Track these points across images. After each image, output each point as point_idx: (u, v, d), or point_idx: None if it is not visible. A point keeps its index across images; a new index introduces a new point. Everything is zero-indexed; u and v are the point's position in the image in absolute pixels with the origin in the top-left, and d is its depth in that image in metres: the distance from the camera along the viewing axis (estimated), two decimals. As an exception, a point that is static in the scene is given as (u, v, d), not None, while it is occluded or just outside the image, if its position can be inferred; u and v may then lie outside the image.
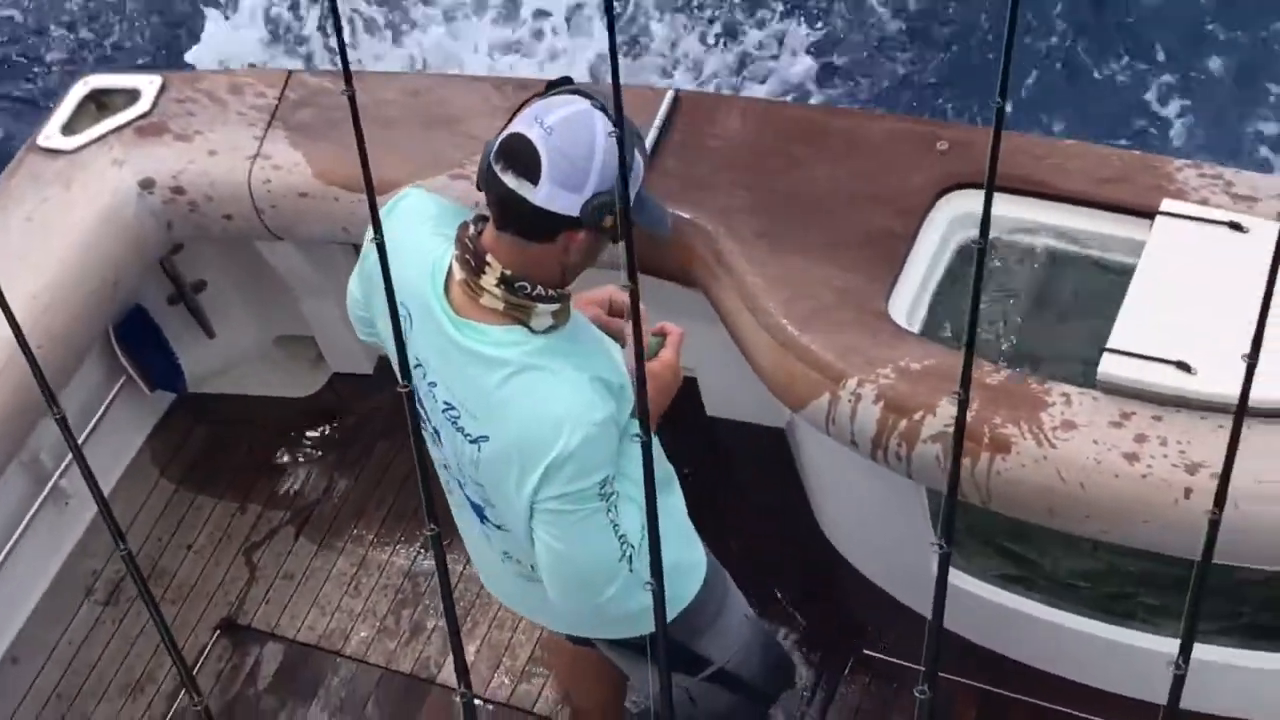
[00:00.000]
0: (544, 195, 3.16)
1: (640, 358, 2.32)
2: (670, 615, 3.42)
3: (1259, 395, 3.48)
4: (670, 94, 4.44)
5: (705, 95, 4.51)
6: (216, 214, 4.74)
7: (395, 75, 5.67)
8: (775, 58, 8.38)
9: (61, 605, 5.12)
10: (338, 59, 3.44)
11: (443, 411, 3.41)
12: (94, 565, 5.15)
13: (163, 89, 4.86)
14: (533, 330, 3.25)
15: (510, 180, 3.16)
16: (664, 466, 3.58)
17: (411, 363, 3.40)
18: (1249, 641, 4.19)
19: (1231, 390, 2.08)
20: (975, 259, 2.11)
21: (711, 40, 8.52)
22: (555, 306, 3.26)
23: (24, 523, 4.96)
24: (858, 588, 4.61)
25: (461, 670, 2.56)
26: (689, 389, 4.42)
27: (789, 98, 7.74)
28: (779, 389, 4.07)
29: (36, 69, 8.31)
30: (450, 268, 3.33)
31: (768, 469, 4.79)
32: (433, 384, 3.40)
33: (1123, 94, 7.79)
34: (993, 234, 4.05)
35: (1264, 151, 7.38)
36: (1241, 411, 1.94)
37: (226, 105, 4.82)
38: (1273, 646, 4.20)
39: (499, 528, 3.55)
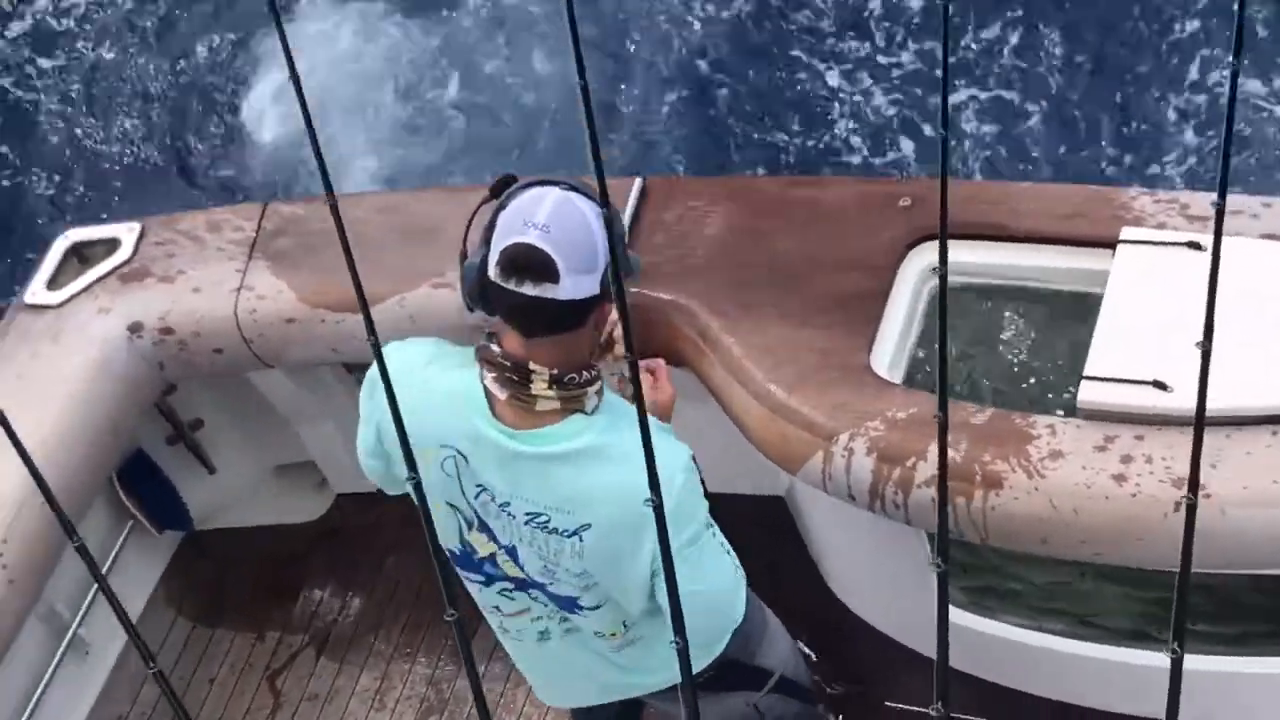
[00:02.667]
0: (569, 289, 3.18)
1: (645, 426, 2.40)
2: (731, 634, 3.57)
3: (1240, 404, 3.60)
4: (637, 182, 4.48)
5: (670, 179, 4.56)
6: (206, 349, 4.75)
7: (364, 195, 5.73)
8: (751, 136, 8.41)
9: None
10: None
11: (526, 524, 3.40)
12: (120, 710, 5.14)
13: (142, 235, 4.89)
14: (587, 413, 3.28)
15: (530, 289, 3.17)
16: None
17: (473, 495, 3.40)
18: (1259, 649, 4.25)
19: (1210, 403, 2.17)
20: (939, 288, 2.22)
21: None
22: (598, 384, 3.30)
23: (47, 676, 4.95)
24: (872, 641, 4.61)
25: None
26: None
27: (748, 172, 7.74)
28: (774, 453, 4.09)
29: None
30: (487, 392, 3.33)
31: (771, 536, 4.79)
32: (505, 504, 3.40)
33: (1066, 132, 7.82)
34: (962, 279, 4.16)
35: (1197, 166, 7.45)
36: (1202, 400, 2.02)
37: (205, 243, 4.84)
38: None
39: (595, 608, 3.54)
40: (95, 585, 3.84)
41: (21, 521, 4.42)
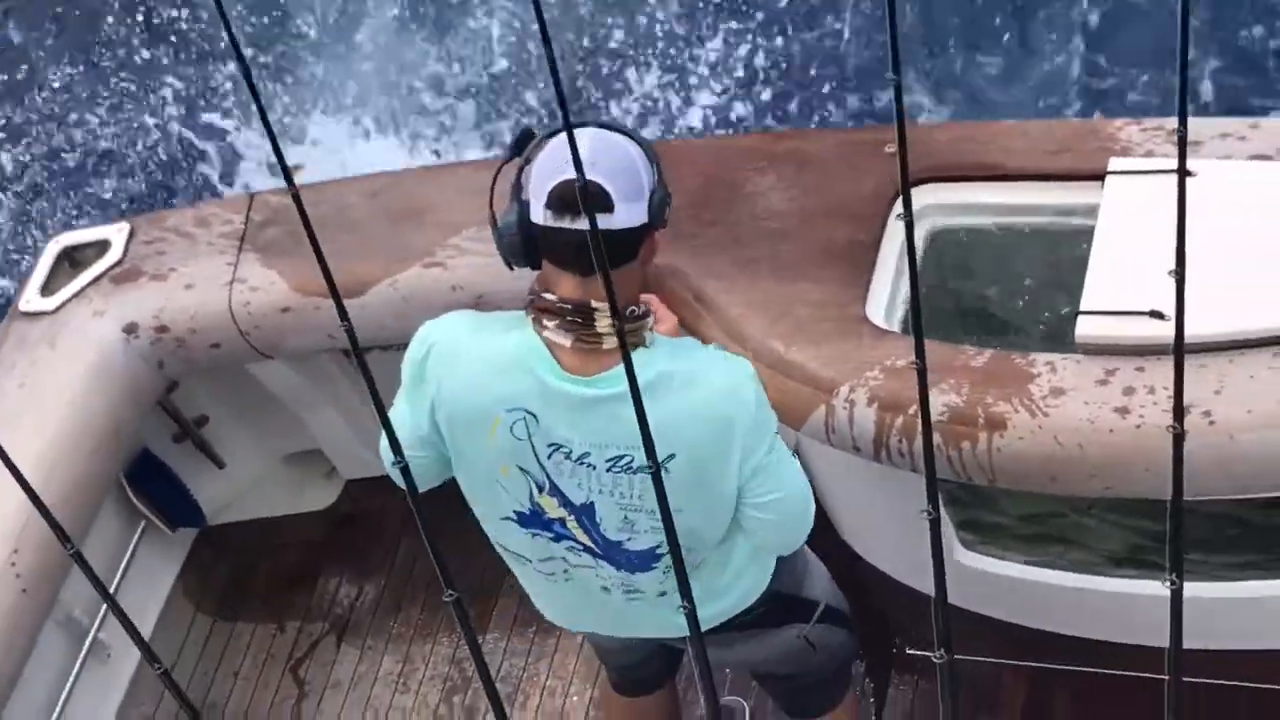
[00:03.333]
0: (622, 217, 3.21)
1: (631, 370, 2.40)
2: (771, 571, 3.58)
3: (1239, 328, 3.59)
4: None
5: (656, 143, 4.59)
6: (203, 345, 4.77)
7: (352, 180, 5.78)
8: (725, 92, 8.35)
9: None
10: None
11: (609, 471, 3.40)
12: (146, 712, 5.16)
13: (131, 235, 4.90)
14: (647, 347, 3.32)
15: (584, 224, 3.21)
16: None
17: (546, 456, 3.40)
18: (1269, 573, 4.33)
19: (1206, 327, 2.15)
20: (905, 232, 2.21)
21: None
22: (651, 318, 3.34)
23: (69, 684, 4.98)
24: (888, 590, 4.65)
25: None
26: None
27: (732, 130, 7.71)
28: (776, 410, 4.08)
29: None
30: (547, 343, 3.33)
31: None
32: (584, 456, 3.39)
33: (1046, 65, 7.78)
34: (953, 220, 4.17)
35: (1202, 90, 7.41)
36: (1180, 323, 1.98)
37: (195, 238, 4.85)
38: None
39: (662, 554, 3.55)
40: (112, 586, 3.87)
41: (31, 530, 4.42)
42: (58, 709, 4.95)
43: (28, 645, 4.61)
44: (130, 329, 4.76)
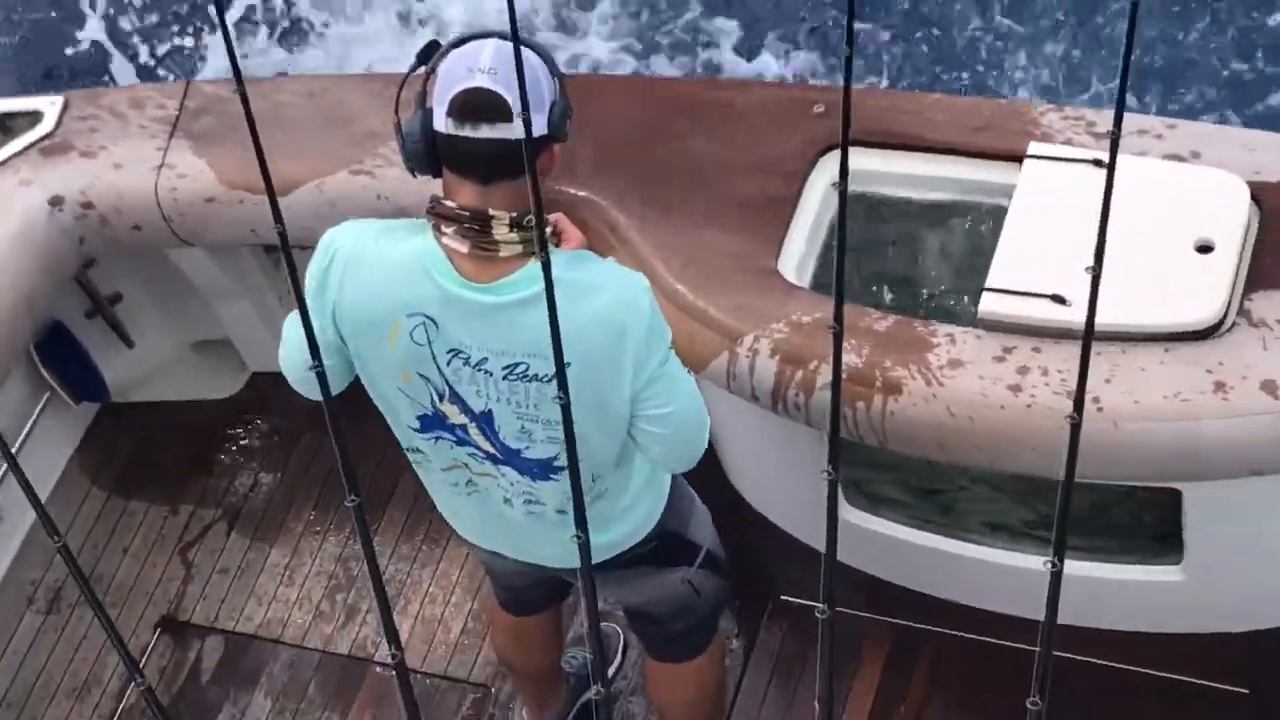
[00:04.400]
0: (524, 125, 3.29)
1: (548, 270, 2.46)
2: (665, 503, 3.65)
3: (1135, 321, 3.66)
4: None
5: (587, 77, 4.57)
6: (126, 225, 4.76)
7: (291, 79, 5.76)
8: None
9: (4, 616, 5.17)
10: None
11: (505, 379, 3.43)
12: (33, 575, 5.20)
13: (65, 108, 4.89)
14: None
15: (487, 130, 3.21)
16: None
17: (445, 363, 3.45)
18: (1142, 558, 4.31)
19: (1106, 317, 2.24)
20: (839, 201, 2.27)
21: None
22: (552, 226, 3.40)
23: None
24: (771, 538, 4.72)
25: (391, 634, 2.66)
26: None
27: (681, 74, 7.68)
28: (680, 352, 4.09)
29: None
30: (445, 250, 3.36)
31: None
32: (481, 363, 3.43)
33: (977, 47, 7.79)
34: (871, 188, 4.20)
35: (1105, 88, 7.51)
36: (1090, 322, 2.05)
37: (128, 119, 4.84)
38: (1157, 560, 4.34)
39: (560, 464, 3.63)
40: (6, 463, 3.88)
41: None
42: (23, 434, 5.03)
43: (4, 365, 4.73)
44: (55, 201, 4.75)
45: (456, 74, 3.27)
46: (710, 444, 4.68)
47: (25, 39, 8.65)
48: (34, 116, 4.88)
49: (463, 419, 3.55)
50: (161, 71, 8.19)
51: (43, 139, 4.84)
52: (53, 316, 5.07)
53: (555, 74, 3.37)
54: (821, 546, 2.88)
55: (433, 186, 3.45)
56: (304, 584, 5.13)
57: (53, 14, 8.70)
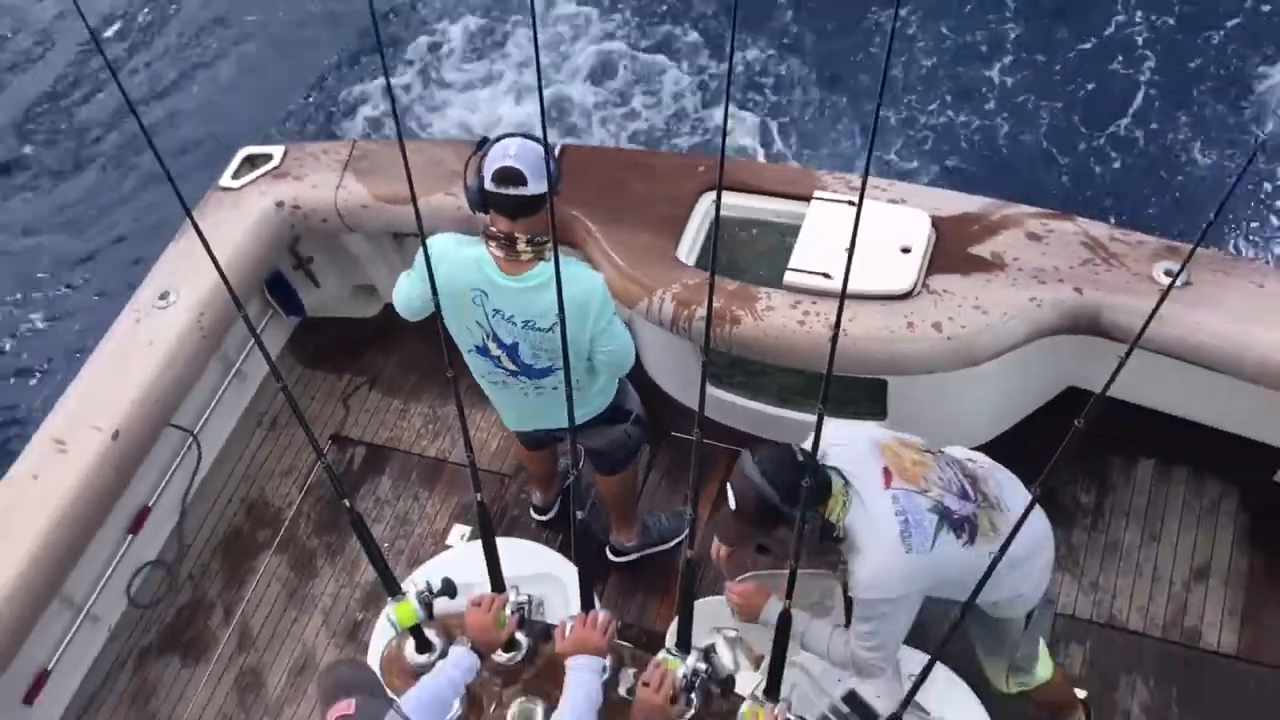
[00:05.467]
0: (533, 188, 3.41)
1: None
2: (615, 391, 3.70)
3: (865, 288, 3.92)
4: (558, 146, 4.57)
5: (575, 147, 4.78)
6: (317, 219, 4.94)
7: (412, 141, 5.77)
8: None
9: (246, 431, 5.37)
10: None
11: (523, 328, 3.58)
12: (260, 410, 5.40)
13: (285, 153, 5.07)
14: (546, 260, 3.51)
15: (512, 190, 3.39)
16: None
17: (492, 314, 3.59)
18: (867, 415, 4.41)
19: (852, 286, 2.53)
20: (714, 216, 2.33)
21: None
22: (549, 244, 3.47)
23: (221, 389, 5.21)
24: (669, 402, 4.90)
25: (468, 445, 2.99)
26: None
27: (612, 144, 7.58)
28: (622, 297, 4.30)
29: (206, 141, 8.33)
30: (492, 256, 3.51)
31: None
32: (510, 317, 3.57)
33: (795, 129, 7.73)
34: (729, 213, 4.32)
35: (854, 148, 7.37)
36: (844, 290, 2.39)
37: (320, 160, 5.01)
38: (874, 417, 4.42)
39: (557, 371, 3.70)
40: (252, 341, 3.97)
41: (216, 300, 4.69)
42: (213, 402, 5.15)
43: (202, 368, 4.78)
44: (279, 204, 4.94)
45: (497, 157, 3.41)
46: (637, 352, 4.54)
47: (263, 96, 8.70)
48: (268, 156, 5.10)
49: (499, 352, 3.68)
50: (338, 129, 8.25)
51: (273, 169, 5.05)
52: (275, 267, 5.21)
53: (553, 158, 3.50)
54: (694, 405, 3.14)
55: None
56: (411, 419, 5.27)
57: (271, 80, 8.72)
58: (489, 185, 3.42)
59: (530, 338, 3.58)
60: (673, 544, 4.56)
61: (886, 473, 3.06)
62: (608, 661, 3.05)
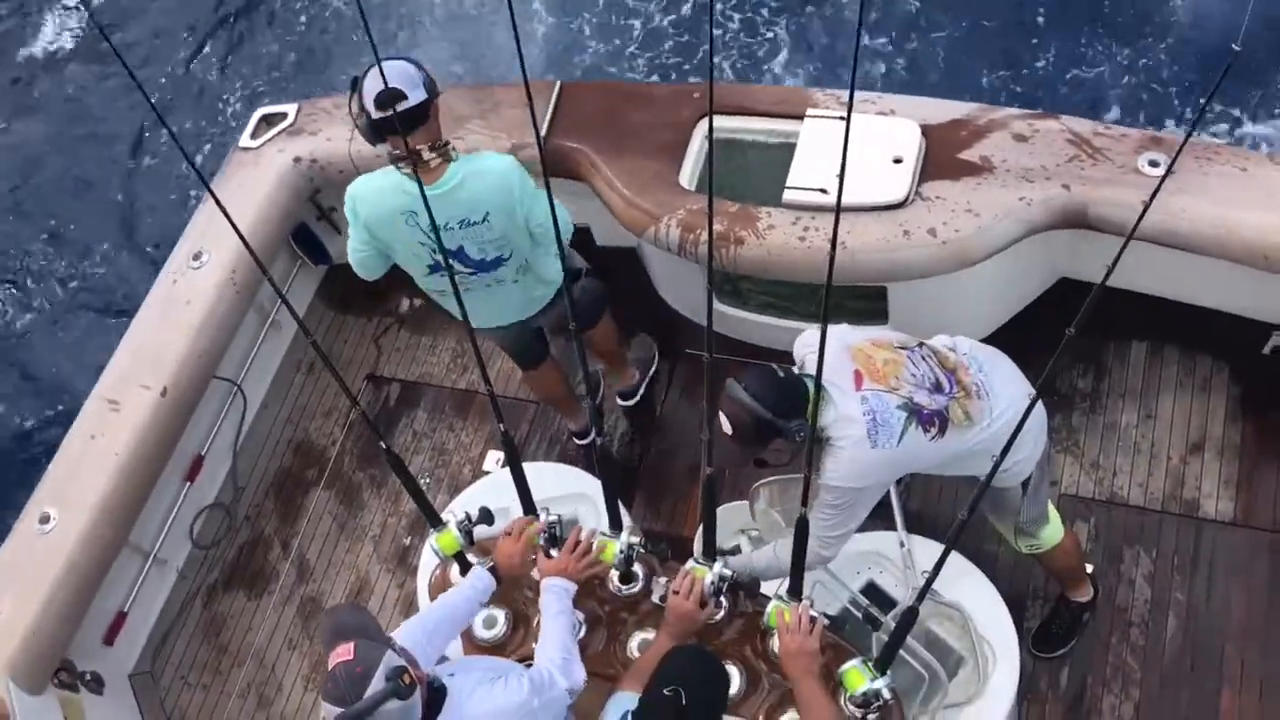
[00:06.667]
0: (415, 98, 3.48)
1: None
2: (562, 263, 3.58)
3: (860, 200, 3.92)
4: (557, 84, 4.58)
5: (575, 84, 4.71)
6: (334, 170, 4.91)
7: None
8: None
9: (287, 375, 5.43)
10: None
11: (460, 228, 3.62)
12: (298, 357, 5.44)
13: (299, 110, 5.02)
14: (454, 160, 3.58)
15: (398, 107, 3.47)
16: None
17: (428, 230, 3.56)
18: (869, 321, 4.38)
19: (847, 199, 2.59)
20: (708, 148, 2.44)
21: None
22: (450, 144, 3.57)
23: (259, 339, 5.23)
24: (680, 321, 4.88)
25: (485, 378, 3.04)
26: (584, 235, 4.66)
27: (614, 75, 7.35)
28: (629, 225, 4.33)
29: (227, 102, 8.21)
30: (404, 175, 3.55)
31: (630, 268, 4.90)
32: (445, 225, 3.61)
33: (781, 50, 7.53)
34: (725, 135, 4.28)
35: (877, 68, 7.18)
36: (839, 200, 2.37)
37: (332, 115, 4.97)
38: (875, 321, 4.42)
39: (507, 259, 3.75)
40: (279, 300, 3.88)
41: (244, 260, 4.69)
42: (252, 353, 5.23)
43: (238, 321, 4.84)
44: (297, 160, 4.93)
45: (370, 87, 3.49)
46: (649, 278, 4.68)
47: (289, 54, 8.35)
48: (283, 115, 5.07)
49: (450, 260, 3.65)
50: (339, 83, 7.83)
51: (289, 126, 5.02)
52: (300, 219, 5.20)
53: (421, 68, 3.54)
54: (703, 322, 3.21)
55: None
56: (440, 355, 5.35)
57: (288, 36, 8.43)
58: (375, 114, 3.47)
59: (471, 234, 3.64)
60: (654, 365, 4.77)
61: (857, 375, 3.17)
62: (574, 587, 3.20)
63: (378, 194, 3.59)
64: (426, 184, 3.42)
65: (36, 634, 4.20)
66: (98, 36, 8.40)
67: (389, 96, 3.39)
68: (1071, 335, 2.32)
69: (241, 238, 3.14)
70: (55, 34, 8.80)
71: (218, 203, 3.13)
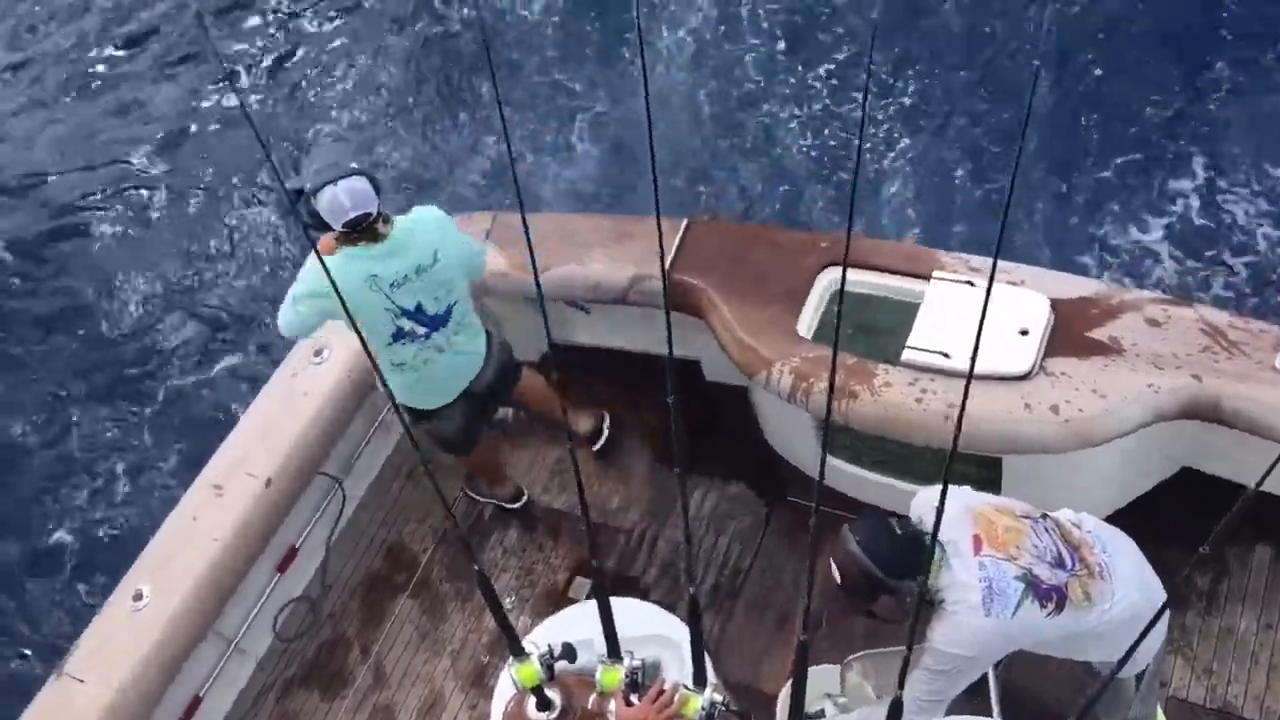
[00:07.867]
0: (375, 208, 3.88)
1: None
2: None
3: (986, 369, 3.79)
4: (684, 221, 4.60)
5: (702, 223, 4.64)
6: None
7: (557, 215, 5.74)
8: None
9: (387, 479, 5.27)
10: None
11: (417, 275, 3.92)
12: (400, 461, 5.30)
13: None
14: (392, 221, 3.91)
15: (366, 223, 3.88)
16: None
17: (390, 289, 3.94)
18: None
19: (969, 365, 2.35)
20: (839, 298, 2.38)
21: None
22: (390, 223, 3.89)
23: (366, 438, 5.20)
24: (788, 468, 4.81)
25: (583, 504, 2.96)
26: (694, 368, 4.66)
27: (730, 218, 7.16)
28: (742, 367, 4.27)
29: None
30: (360, 247, 3.85)
31: (739, 407, 4.80)
32: (404, 275, 3.93)
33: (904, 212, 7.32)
34: (849, 289, 4.24)
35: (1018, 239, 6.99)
36: (972, 367, 2.25)
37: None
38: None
39: (451, 308, 4.01)
40: (390, 403, 3.49)
41: (362, 362, 4.67)
42: (351, 462, 5.13)
43: (347, 422, 4.90)
44: None
45: (337, 212, 3.82)
46: (756, 419, 4.61)
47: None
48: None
49: (411, 323, 3.94)
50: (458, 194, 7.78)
51: None
52: None
53: (375, 182, 3.86)
54: (812, 472, 3.12)
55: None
56: (539, 472, 5.16)
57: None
58: (340, 229, 3.81)
59: (426, 281, 3.87)
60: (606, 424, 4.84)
61: (976, 540, 3.03)
62: None
63: (343, 270, 3.80)
64: (378, 245, 3.81)
65: (115, 712, 4.14)
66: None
67: (360, 221, 3.81)
68: (1206, 554, 2.13)
69: (363, 341, 3.06)
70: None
71: (343, 304, 3.07)
